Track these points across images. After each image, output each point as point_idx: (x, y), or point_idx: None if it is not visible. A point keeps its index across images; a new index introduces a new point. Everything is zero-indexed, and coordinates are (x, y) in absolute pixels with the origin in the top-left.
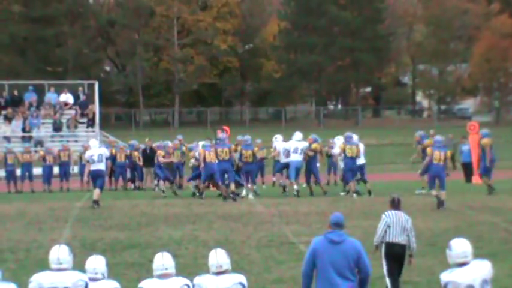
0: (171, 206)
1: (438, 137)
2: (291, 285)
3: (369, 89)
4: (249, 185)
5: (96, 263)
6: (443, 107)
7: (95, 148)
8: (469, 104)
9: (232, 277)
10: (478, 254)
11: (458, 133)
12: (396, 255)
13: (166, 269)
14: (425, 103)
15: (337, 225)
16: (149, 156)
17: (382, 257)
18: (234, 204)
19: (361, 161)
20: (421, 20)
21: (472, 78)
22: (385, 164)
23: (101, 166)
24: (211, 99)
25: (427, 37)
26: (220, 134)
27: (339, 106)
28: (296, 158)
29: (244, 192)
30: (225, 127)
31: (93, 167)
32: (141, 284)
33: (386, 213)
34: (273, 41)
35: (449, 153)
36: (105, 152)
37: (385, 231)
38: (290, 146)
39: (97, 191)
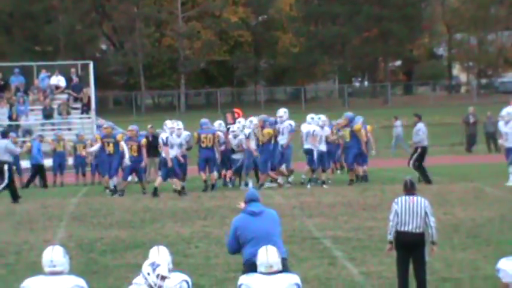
0: (179, 199)
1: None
2: (315, 285)
3: (399, 63)
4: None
5: (54, 254)
6: (483, 81)
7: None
8: None
9: (287, 277)
10: None
11: (501, 110)
12: (406, 245)
13: (159, 265)
14: (463, 77)
15: (253, 199)
16: (152, 145)
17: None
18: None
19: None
20: None
21: None
22: None
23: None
24: (221, 78)
25: (464, 2)
26: (203, 119)
27: (366, 83)
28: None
29: (250, 184)
30: (237, 110)
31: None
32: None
33: (396, 199)
34: (289, 11)
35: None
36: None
37: (395, 220)
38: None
39: (159, 179)
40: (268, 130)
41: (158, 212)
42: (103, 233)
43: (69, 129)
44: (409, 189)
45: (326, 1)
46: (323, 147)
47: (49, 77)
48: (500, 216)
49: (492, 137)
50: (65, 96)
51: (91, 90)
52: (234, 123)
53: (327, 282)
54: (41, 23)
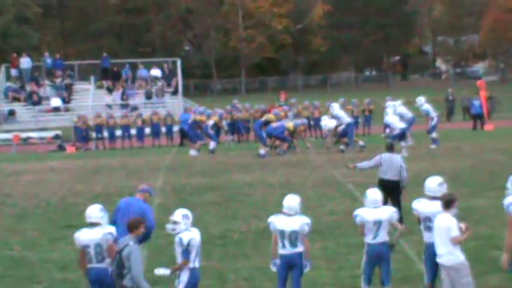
0: (242, 156)
1: None
2: (340, 217)
3: (398, 58)
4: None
5: (91, 210)
6: (458, 70)
7: None
8: (479, 66)
9: (300, 218)
10: (491, 187)
11: (471, 91)
12: (386, 188)
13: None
14: (443, 67)
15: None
16: None
17: None
18: (293, 154)
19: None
20: (439, 0)
21: (481, 46)
22: None
23: None
24: (270, 70)
25: (444, 14)
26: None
27: (374, 72)
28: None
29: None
30: (283, 92)
31: None
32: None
33: (381, 154)
34: (319, 21)
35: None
36: None
37: (379, 169)
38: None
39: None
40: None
41: (228, 165)
42: (190, 180)
43: (163, 107)
44: (389, 149)
45: (345, 14)
46: None
47: (148, 70)
48: (472, 166)
49: (466, 110)
50: (160, 83)
51: (178, 79)
52: (285, 101)
53: (349, 213)
54: (142, 32)
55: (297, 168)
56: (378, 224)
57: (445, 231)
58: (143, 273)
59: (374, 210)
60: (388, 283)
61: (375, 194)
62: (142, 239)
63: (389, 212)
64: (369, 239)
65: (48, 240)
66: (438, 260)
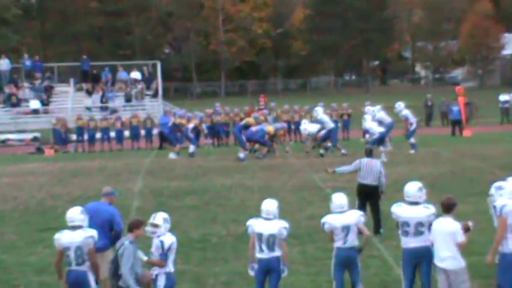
0: (222, 160)
1: None
2: (319, 221)
3: (377, 63)
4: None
5: (72, 212)
6: (437, 75)
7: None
8: (458, 72)
9: (279, 222)
10: (470, 193)
11: (450, 96)
12: (365, 193)
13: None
14: (422, 73)
15: None
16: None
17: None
18: (273, 157)
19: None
20: (418, 5)
21: (460, 52)
22: None
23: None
24: (250, 73)
25: (423, 19)
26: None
27: (353, 77)
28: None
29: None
30: (262, 96)
31: None
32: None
33: (360, 159)
34: (299, 25)
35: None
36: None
37: (358, 174)
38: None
39: None
40: None
41: (208, 169)
42: (169, 183)
43: (143, 110)
44: (369, 154)
45: (325, 18)
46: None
47: (128, 72)
48: (450, 172)
49: (445, 115)
50: (140, 86)
51: (158, 82)
52: (265, 105)
53: None
54: (122, 34)
55: (276, 172)
56: (347, 229)
57: (449, 235)
58: (140, 270)
59: (341, 215)
60: (359, 283)
61: (340, 199)
62: (113, 242)
63: (356, 216)
64: (339, 244)
65: (26, 243)
66: (439, 263)
